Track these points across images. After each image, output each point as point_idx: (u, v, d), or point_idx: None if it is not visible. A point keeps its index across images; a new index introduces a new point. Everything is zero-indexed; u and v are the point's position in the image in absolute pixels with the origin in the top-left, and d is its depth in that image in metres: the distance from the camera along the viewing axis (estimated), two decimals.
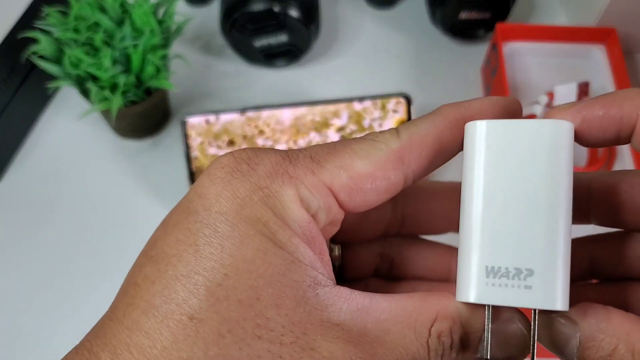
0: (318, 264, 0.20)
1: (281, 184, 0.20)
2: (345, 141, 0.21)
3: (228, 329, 0.18)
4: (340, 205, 0.21)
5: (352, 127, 0.51)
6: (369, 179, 0.20)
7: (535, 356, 0.20)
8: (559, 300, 0.19)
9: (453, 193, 0.24)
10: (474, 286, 0.20)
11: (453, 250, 0.26)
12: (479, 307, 0.20)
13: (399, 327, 0.19)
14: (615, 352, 0.19)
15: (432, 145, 0.21)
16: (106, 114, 0.51)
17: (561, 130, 0.20)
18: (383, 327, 0.19)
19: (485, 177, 0.20)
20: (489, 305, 0.20)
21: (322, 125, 0.51)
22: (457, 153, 0.22)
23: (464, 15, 0.57)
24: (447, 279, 0.26)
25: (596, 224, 0.24)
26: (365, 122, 0.51)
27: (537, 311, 0.20)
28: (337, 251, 0.25)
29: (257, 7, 0.53)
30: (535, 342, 0.20)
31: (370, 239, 0.26)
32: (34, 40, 0.49)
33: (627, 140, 0.21)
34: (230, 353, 0.17)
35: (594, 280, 0.26)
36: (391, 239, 0.27)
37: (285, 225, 0.19)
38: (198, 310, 0.18)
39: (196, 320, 0.17)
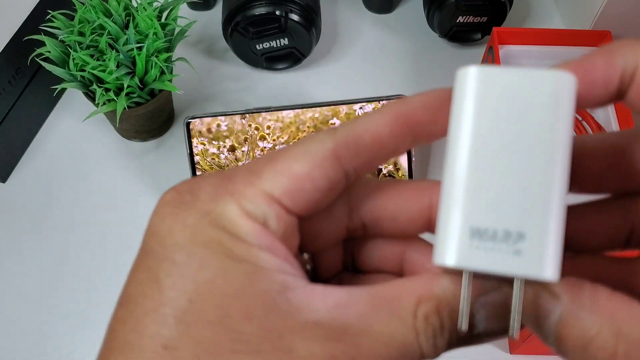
0: (286, 267, 0.20)
1: (224, 204, 0.20)
2: (283, 148, 0.21)
3: (203, 350, 0.18)
4: (288, 210, 0.21)
5: None
6: (308, 179, 0.20)
7: (518, 330, 0.18)
8: (550, 270, 0.18)
9: (415, 192, 0.23)
10: (455, 248, 0.18)
11: (407, 240, 0.25)
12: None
13: (382, 316, 0.19)
14: (598, 333, 0.18)
15: (371, 142, 0.21)
16: (111, 115, 0.52)
17: (563, 82, 0.18)
18: (365, 319, 0.19)
19: (474, 128, 0.18)
20: (468, 272, 0.18)
21: (323, 124, 0.52)
22: (404, 150, 0.22)
23: (461, 19, 0.58)
24: (400, 272, 0.26)
25: (576, 192, 0.23)
26: None
27: (523, 281, 0.18)
28: (306, 256, 0.25)
29: (259, 11, 0.53)
30: (520, 315, 0.18)
31: (333, 245, 0.26)
32: (39, 43, 0.49)
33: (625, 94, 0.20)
34: None
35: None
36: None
37: (239, 239, 0.19)
38: (170, 338, 0.18)
39: (170, 349, 0.18)
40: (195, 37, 0.62)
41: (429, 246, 0.24)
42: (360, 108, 0.52)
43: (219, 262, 0.19)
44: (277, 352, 0.18)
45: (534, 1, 0.66)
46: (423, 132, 0.21)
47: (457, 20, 0.58)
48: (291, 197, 0.20)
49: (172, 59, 0.51)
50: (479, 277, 0.19)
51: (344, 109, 0.51)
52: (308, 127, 0.52)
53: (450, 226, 0.18)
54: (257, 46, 0.57)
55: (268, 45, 0.57)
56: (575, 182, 0.22)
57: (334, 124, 0.51)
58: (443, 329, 0.19)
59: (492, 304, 0.19)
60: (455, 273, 0.19)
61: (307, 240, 0.24)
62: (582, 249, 0.23)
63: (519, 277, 0.18)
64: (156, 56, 0.49)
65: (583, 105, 0.20)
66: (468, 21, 0.58)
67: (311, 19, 0.56)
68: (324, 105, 0.51)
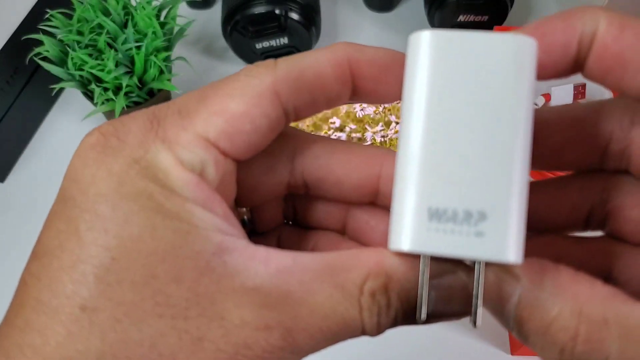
0: (224, 225, 0.18)
1: (156, 151, 0.18)
2: (216, 84, 0.19)
3: (124, 313, 0.17)
4: (226, 154, 0.19)
5: (352, 125, 0.51)
6: (246, 119, 0.19)
7: (480, 316, 0.17)
8: (513, 252, 0.16)
9: (366, 159, 0.22)
10: (411, 231, 0.17)
11: (350, 206, 0.24)
12: (419, 260, 0.18)
13: (327, 287, 0.18)
14: (559, 314, 0.17)
15: (313, 79, 0.19)
16: (109, 115, 0.52)
17: (524, 47, 0.17)
18: (308, 287, 0.18)
19: (429, 98, 0.17)
20: (425, 256, 0.17)
21: (322, 121, 0.51)
22: (346, 100, 0.20)
23: (462, 18, 0.58)
24: (343, 229, 0.24)
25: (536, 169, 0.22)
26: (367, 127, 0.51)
27: (484, 264, 0.17)
28: (243, 208, 0.23)
29: (259, 9, 0.53)
30: (481, 300, 0.17)
31: (272, 200, 0.24)
32: (38, 42, 0.49)
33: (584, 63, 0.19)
34: (130, 336, 0.17)
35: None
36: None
37: (172, 193, 0.18)
38: (89, 299, 0.17)
39: (89, 310, 0.17)
40: (195, 36, 0.62)
41: (374, 206, 0.23)
42: (361, 109, 0.51)
43: (147, 218, 0.17)
44: (206, 319, 0.17)
45: (536, 0, 0.65)
46: (365, 88, 0.20)
47: (458, 19, 0.58)
48: (229, 140, 0.19)
49: (171, 58, 0.51)
50: (434, 258, 0.18)
51: (344, 107, 0.51)
52: (307, 125, 0.52)
53: (405, 207, 0.17)
54: (257, 45, 0.56)
55: (268, 44, 0.57)
56: (534, 158, 0.21)
57: (334, 122, 0.51)
58: (389, 308, 0.18)
59: (445, 286, 0.18)
60: (412, 255, 0.18)
61: (244, 193, 0.22)
62: (542, 229, 0.22)
63: (482, 261, 0.17)
64: (155, 55, 0.49)
65: (542, 74, 0.19)
66: (469, 20, 0.58)
67: (311, 17, 0.56)
68: None
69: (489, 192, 0.16)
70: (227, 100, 0.19)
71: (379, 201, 0.23)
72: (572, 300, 0.17)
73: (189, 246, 0.17)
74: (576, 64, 0.18)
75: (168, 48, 0.51)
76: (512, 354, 0.46)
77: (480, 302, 0.17)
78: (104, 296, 0.17)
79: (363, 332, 0.18)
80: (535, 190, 0.22)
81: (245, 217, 0.24)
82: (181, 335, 0.17)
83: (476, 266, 0.17)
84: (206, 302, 0.17)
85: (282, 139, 0.22)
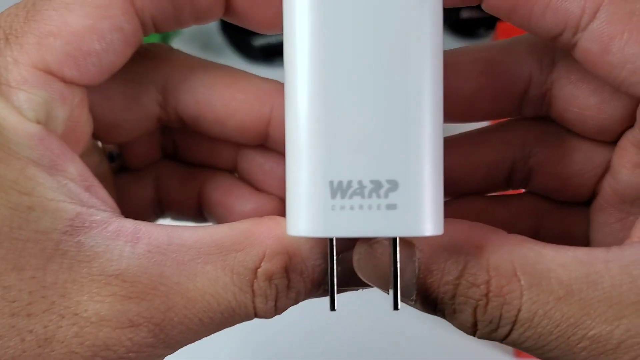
0: (79, 192, 0.15)
1: None
2: None
3: None
4: (73, 82, 0.16)
5: None
6: (93, 35, 0.15)
7: (399, 294, 0.15)
8: (431, 222, 0.14)
9: (253, 96, 0.19)
10: (311, 213, 0.14)
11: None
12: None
13: (210, 268, 0.15)
14: (466, 270, 0.15)
15: None
16: None
17: None
18: (187, 270, 0.15)
19: (314, 44, 0.14)
20: (331, 239, 0.15)
21: None
22: (218, 13, 0.17)
23: (465, 14, 0.57)
24: (235, 168, 0.21)
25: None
26: None
27: (399, 240, 0.15)
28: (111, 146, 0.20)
29: None
30: (399, 278, 0.15)
31: (142, 136, 0.21)
32: None
33: None
34: None
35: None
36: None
37: (10, 155, 0.14)
38: None
39: None
40: (192, 32, 0.61)
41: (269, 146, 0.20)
42: None
43: None
44: (55, 316, 0.14)
45: None
46: (239, 5, 0.17)
47: (461, 15, 0.57)
48: (75, 65, 0.15)
49: None
50: None
51: None
52: None
53: (301, 184, 0.14)
54: (255, 41, 0.56)
55: (266, 40, 0.56)
56: (446, 109, 0.18)
57: None
58: (290, 289, 0.16)
59: (356, 258, 0.16)
60: None
61: (104, 128, 0.19)
62: (458, 192, 0.21)
63: (397, 237, 0.15)
64: None
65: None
66: (472, 16, 0.57)
67: None
68: None
69: (398, 156, 0.14)
70: (65, 12, 0.15)
71: (269, 145, 0.20)
72: (477, 252, 0.15)
73: (32, 225, 0.14)
74: None
75: (165, 43, 0.50)
76: (516, 356, 0.45)
77: (398, 283, 0.15)
78: None
79: (256, 316, 0.16)
80: (449, 148, 0.19)
81: (114, 152, 0.20)
82: (24, 337, 0.14)
83: (392, 244, 0.15)
84: (55, 294, 0.14)
85: (150, 63, 0.19)
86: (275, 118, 0.19)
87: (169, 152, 0.22)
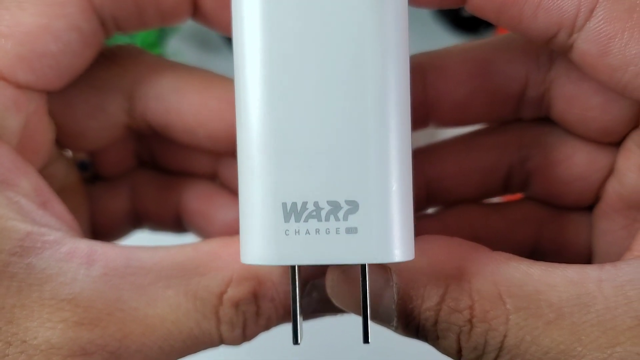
0: (32, 210, 0.14)
1: None
2: None
3: None
4: (28, 87, 0.15)
5: None
6: (48, 35, 0.14)
7: (369, 324, 0.14)
8: (399, 247, 0.13)
9: (226, 102, 0.18)
10: (263, 239, 0.13)
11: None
12: None
13: (171, 293, 0.14)
14: (448, 296, 0.14)
15: None
16: None
17: None
18: (146, 294, 0.14)
19: (264, 50, 0.12)
20: (293, 266, 0.14)
21: None
22: (187, 14, 0.16)
23: (466, 11, 0.56)
24: (215, 174, 0.20)
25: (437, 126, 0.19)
26: None
27: (367, 267, 0.14)
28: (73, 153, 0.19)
29: None
30: (368, 307, 0.14)
31: (111, 144, 0.19)
32: None
33: None
34: None
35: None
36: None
37: None
38: None
39: None
40: (190, 31, 0.60)
41: None
42: None
43: None
44: (2, 344, 0.13)
45: None
46: (206, 6, 0.16)
47: (463, 12, 0.56)
48: (29, 68, 0.14)
49: (165, 53, 0.50)
50: None
51: None
52: None
53: (252, 207, 0.13)
54: None
55: None
56: (435, 114, 0.17)
57: None
58: (260, 316, 0.15)
59: (329, 285, 0.15)
60: None
61: (69, 137, 0.18)
62: (452, 200, 0.19)
63: (360, 264, 0.13)
64: (149, 50, 0.47)
65: (416, 4, 0.15)
66: None
67: None
68: None
69: (357, 173, 0.13)
70: (17, 12, 0.14)
71: None
72: (458, 275, 0.14)
73: None
74: None
75: (162, 43, 0.49)
76: None
77: (368, 314, 0.14)
78: None
79: (222, 343, 0.15)
80: (439, 154, 0.18)
81: (86, 160, 0.19)
82: None
83: (361, 271, 0.14)
84: (1, 320, 0.13)
85: (116, 68, 0.18)
86: None
87: (146, 160, 0.21)
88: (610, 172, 0.19)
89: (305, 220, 0.13)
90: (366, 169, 0.13)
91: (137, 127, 0.19)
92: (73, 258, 0.14)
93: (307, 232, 0.13)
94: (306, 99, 0.13)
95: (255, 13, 0.12)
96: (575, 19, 0.15)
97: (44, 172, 0.16)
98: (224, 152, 0.18)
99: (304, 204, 0.13)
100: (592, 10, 0.15)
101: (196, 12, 0.17)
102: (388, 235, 0.13)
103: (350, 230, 0.13)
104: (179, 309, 0.14)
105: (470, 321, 0.14)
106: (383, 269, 0.14)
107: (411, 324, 0.14)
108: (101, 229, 0.20)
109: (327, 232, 0.13)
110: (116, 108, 0.18)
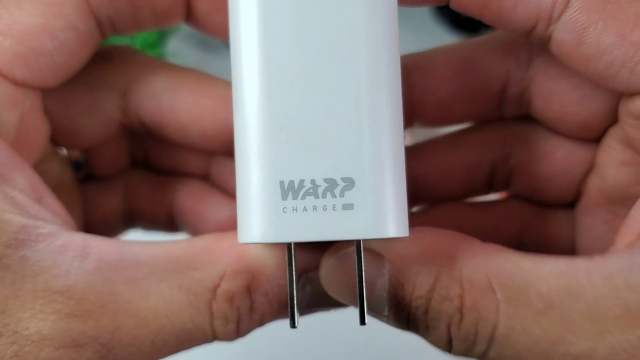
0: (27, 203, 0.14)
1: None
2: None
3: None
4: (24, 84, 0.15)
5: None
6: (45, 34, 0.15)
7: (365, 305, 0.14)
8: (394, 222, 0.13)
9: (217, 100, 0.18)
10: (261, 217, 0.13)
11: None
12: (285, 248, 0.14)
13: (164, 287, 0.14)
14: (438, 283, 0.14)
15: None
16: None
17: None
18: (140, 288, 0.14)
19: (261, 41, 0.13)
20: (290, 244, 0.14)
21: None
22: (180, 17, 0.17)
23: None
24: (207, 174, 0.20)
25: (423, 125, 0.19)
26: None
27: (361, 243, 0.14)
28: (68, 151, 0.19)
29: None
30: (364, 289, 0.14)
31: (105, 142, 0.20)
32: None
33: None
34: None
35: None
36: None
37: None
38: None
39: None
40: (190, 31, 0.60)
41: None
42: None
43: None
44: None
45: None
46: (200, 9, 0.16)
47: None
48: (25, 65, 0.15)
49: (165, 54, 0.50)
50: (302, 243, 0.14)
51: None
52: None
53: (250, 185, 0.13)
54: None
55: None
56: (419, 114, 0.18)
57: None
58: (253, 311, 0.15)
59: (320, 276, 0.15)
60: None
61: (64, 134, 0.18)
62: (437, 198, 0.20)
63: (356, 239, 0.14)
64: (148, 51, 0.47)
65: (406, 3, 0.16)
66: None
67: None
68: None
69: (353, 151, 0.13)
70: (15, 11, 0.14)
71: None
72: (449, 263, 0.14)
73: None
74: None
75: (162, 43, 0.49)
76: None
77: (364, 293, 0.14)
78: None
79: (216, 339, 0.15)
80: (424, 153, 0.19)
81: (80, 159, 0.20)
82: None
83: (356, 243, 0.14)
84: None
85: (110, 67, 0.18)
86: None
87: (140, 159, 0.21)
88: (590, 168, 0.19)
89: (303, 198, 0.13)
90: (361, 147, 0.13)
91: (130, 125, 0.19)
92: (67, 251, 0.14)
93: (305, 209, 0.13)
94: (302, 80, 0.13)
95: (252, 17, 0.13)
96: (552, 10, 0.15)
97: (38, 169, 0.16)
98: (217, 150, 0.19)
99: (301, 181, 0.13)
100: (568, 2, 0.15)
101: (190, 15, 0.17)
102: (383, 211, 0.13)
103: (347, 207, 0.13)
104: (172, 302, 0.14)
105: (460, 310, 0.14)
106: (376, 256, 0.14)
107: (402, 313, 0.14)
108: (94, 228, 0.20)
109: (324, 208, 0.13)
110: (110, 106, 0.18)
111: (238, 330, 0.15)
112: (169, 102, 0.18)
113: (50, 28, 0.15)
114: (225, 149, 0.18)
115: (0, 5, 0.14)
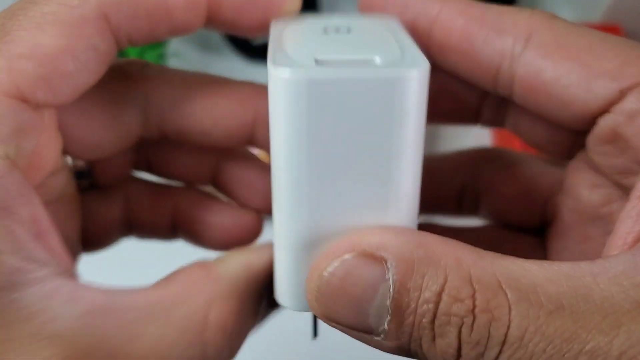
0: (24, 240, 0.14)
1: None
2: (17, 10, 0.15)
3: None
4: (44, 104, 0.15)
5: None
6: (67, 56, 0.14)
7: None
8: None
9: (236, 102, 0.19)
10: (293, 293, 0.16)
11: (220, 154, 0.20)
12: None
13: (154, 327, 0.14)
14: (444, 287, 0.14)
15: (155, 3, 0.16)
16: None
17: (404, 86, 0.14)
18: (130, 330, 0.14)
19: (305, 158, 0.14)
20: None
21: None
22: (198, 26, 0.17)
23: None
24: (214, 180, 0.21)
25: None
26: None
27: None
28: (72, 161, 0.19)
29: None
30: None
31: (117, 153, 0.20)
32: None
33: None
34: None
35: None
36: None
37: None
38: None
39: None
40: None
41: (251, 157, 0.20)
42: None
43: None
44: None
45: None
46: (223, 18, 0.17)
47: None
48: (47, 87, 0.14)
49: (166, 54, 0.50)
50: None
51: None
52: None
53: (285, 262, 0.15)
54: (255, 40, 0.55)
55: (266, 39, 0.55)
56: (434, 207, 0.19)
57: None
58: (244, 333, 0.16)
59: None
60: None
61: (78, 147, 0.18)
62: None
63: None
64: (149, 51, 0.47)
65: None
66: None
67: (313, 7, 0.54)
68: None
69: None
70: (37, 33, 0.14)
71: (256, 145, 0.19)
72: (457, 265, 0.14)
73: None
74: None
75: (163, 43, 0.49)
76: None
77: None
78: None
79: None
80: None
81: (83, 168, 0.20)
82: None
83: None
84: None
85: (128, 82, 0.18)
86: (259, 119, 0.19)
87: (142, 168, 0.21)
88: (558, 189, 0.19)
89: None
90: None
91: (149, 135, 0.19)
92: (57, 296, 0.14)
93: None
94: (337, 188, 0.15)
95: (296, 133, 0.14)
96: (513, 49, 0.16)
97: (45, 182, 0.17)
98: (234, 146, 0.20)
99: None
100: (526, 43, 0.16)
101: (210, 22, 0.17)
102: None
103: None
104: (163, 340, 0.14)
105: (472, 311, 0.13)
106: (378, 261, 0.14)
107: (405, 324, 0.14)
108: (92, 237, 0.20)
109: None
110: (132, 119, 0.18)
111: (231, 353, 0.16)
112: (190, 109, 0.18)
113: (72, 49, 0.15)
114: (243, 144, 0.19)
115: (20, 28, 0.14)
